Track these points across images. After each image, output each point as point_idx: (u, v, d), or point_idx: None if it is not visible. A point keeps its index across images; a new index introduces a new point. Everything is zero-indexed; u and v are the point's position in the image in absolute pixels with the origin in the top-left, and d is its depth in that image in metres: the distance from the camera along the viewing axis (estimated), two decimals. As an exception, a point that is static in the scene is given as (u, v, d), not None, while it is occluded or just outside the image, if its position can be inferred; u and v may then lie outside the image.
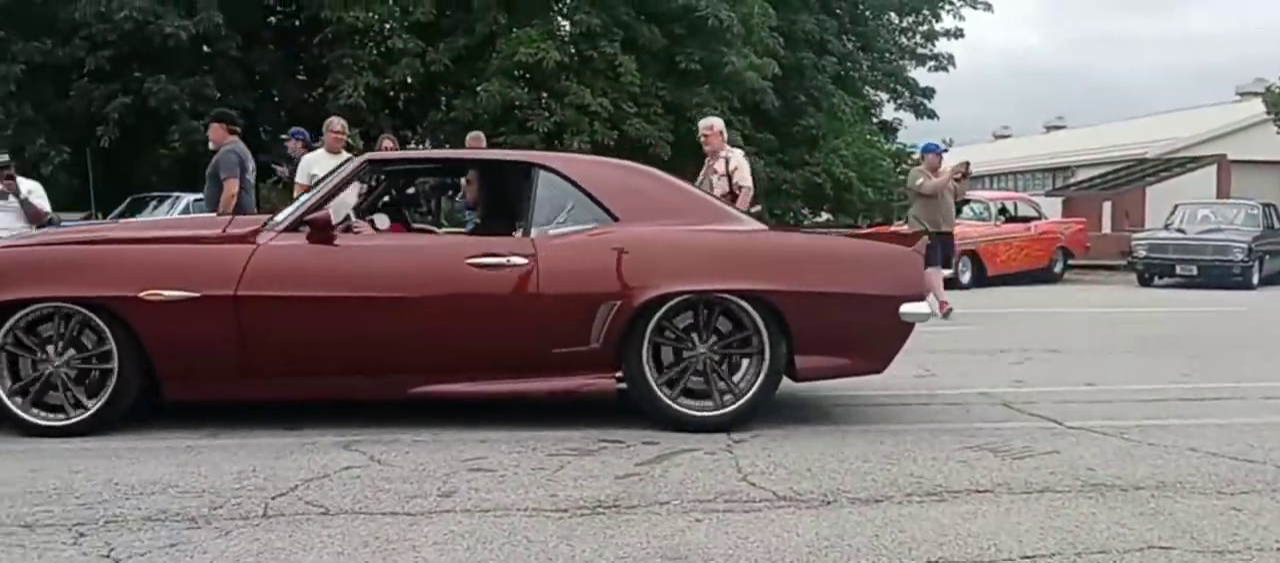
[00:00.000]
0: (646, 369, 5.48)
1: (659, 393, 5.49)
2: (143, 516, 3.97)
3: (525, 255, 5.47)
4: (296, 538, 3.73)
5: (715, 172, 9.41)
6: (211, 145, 9.31)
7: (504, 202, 6.93)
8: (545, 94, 21.12)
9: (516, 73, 20.49)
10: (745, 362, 5.59)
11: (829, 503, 4.22)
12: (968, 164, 12.65)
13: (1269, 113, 33.66)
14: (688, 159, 22.24)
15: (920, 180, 12.12)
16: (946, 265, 12.41)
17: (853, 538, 3.76)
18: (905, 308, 5.52)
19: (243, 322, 5.28)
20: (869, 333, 5.66)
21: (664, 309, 5.45)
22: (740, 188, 9.16)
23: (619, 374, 5.54)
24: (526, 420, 5.75)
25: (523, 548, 3.64)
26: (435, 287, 5.47)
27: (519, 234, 5.79)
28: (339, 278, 5.44)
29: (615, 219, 5.67)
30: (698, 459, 4.93)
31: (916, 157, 12.45)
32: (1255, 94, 37.45)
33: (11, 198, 8.49)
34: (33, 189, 8.71)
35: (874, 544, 3.69)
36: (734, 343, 5.55)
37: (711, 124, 9.78)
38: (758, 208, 9.19)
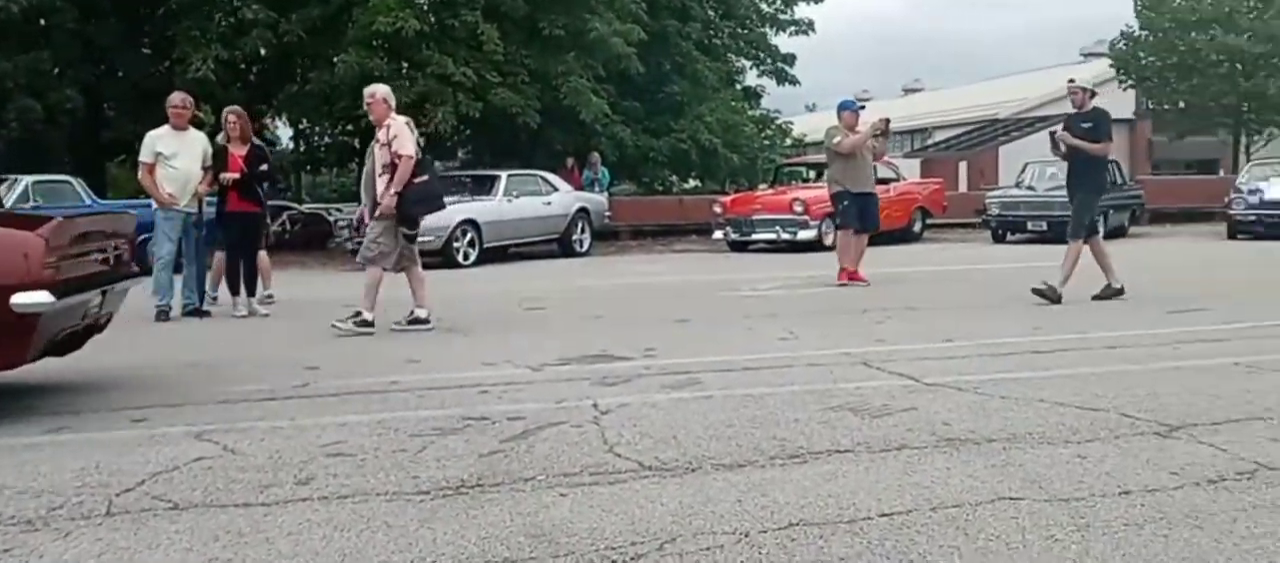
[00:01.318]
0: None
1: None
2: (-25, 520, 3.76)
3: None
4: (142, 536, 3.57)
5: (378, 141, 8.72)
6: None
7: None
8: (406, 64, 20.70)
9: (375, 43, 19.99)
10: None
11: (694, 470, 4.23)
12: (887, 121, 12.41)
13: (1114, 72, 35.09)
14: (558, 128, 22.23)
15: (837, 139, 11.82)
16: (870, 229, 12.16)
17: (716, 505, 3.78)
18: (17, 299, 5.04)
19: None
20: None
21: None
22: (399, 156, 8.46)
23: None
24: (389, 404, 5.65)
25: (381, 534, 3.56)
26: None
27: None
28: None
29: None
30: (564, 433, 4.89)
31: (831, 129, 11.95)
32: (1100, 54, 39.00)
33: None
34: None
35: (737, 510, 3.71)
36: None
37: (373, 92, 8.97)
38: (425, 177, 8.68)
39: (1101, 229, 19.12)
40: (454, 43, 20.13)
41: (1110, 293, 9.93)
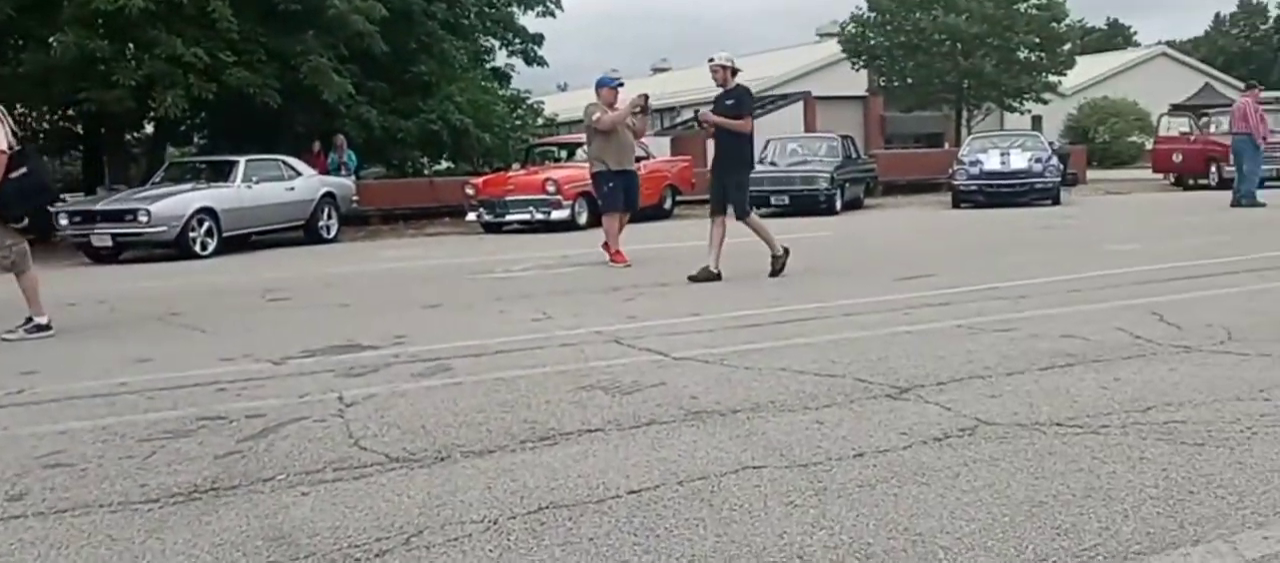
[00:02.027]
0: None
1: None
2: None
3: None
4: None
5: None
6: None
7: None
8: (131, 45, 19.45)
9: (96, 22, 18.67)
10: None
11: (443, 459, 4.15)
12: (646, 97, 12.05)
13: (844, 53, 36.91)
14: (301, 109, 21.39)
15: (597, 115, 11.67)
16: (630, 207, 12.08)
17: (465, 493, 3.71)
18: None
19: None
20: None
21: None
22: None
23: None
24: (116, 407, 5.29)
25: (104, 549, 3.31)
26: None
27: None
28: None
29: None
30: (307, 428, 4.71)
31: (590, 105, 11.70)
32: (832, 35, 40.91)
33: None
34: None
35: (486, 497, 3.66)
36: None
37: None
38: (24, 169, 7.99)
39: (839, 202, 20.28)
40: (183, 21, 19.06)
41: (707, 275, 9.74)
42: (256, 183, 16.97)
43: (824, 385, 5.17)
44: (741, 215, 10.12)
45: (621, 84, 12.31)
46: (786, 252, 10.10)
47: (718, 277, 9.70)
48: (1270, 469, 3.65)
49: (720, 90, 10.21)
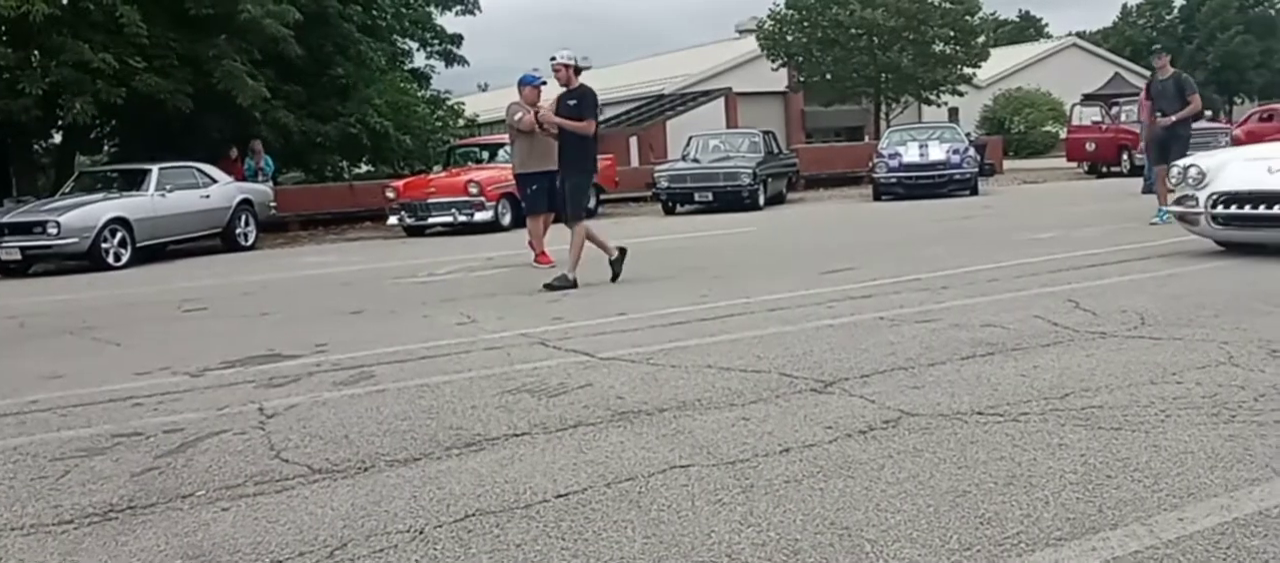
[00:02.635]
0: None
1: None
2: None
3: None
4: None
5: None
6: None
7: None
8: (37, 52, 18.92)
9: (-1, 30, 18.17)
10: None
11: (367, 469, 4.09)
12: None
13: (763, 51, 37.18)
14: (216, 115, 20.96)
15: (519, 115, 11.42)
16: (554, 208, 11.54)
17: (390, 503, 3.66)
18: None
19: None
20: None
21: None
22: None
23: None
24: (27, 426, 5.13)
25: (15, 575, 3.21)
26: None
27: None
28: None
29: None
30: (227, 442, 4.61)
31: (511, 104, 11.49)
32: (751, 31, 41.17)
33: None
34: None
35: (412, 506, 3.61)
36: None
37: None
38: None
39: (762, 197, 20.41)
40: (91, 27, 18.58)
41: (565, 283, 9.37)
42: (171, 191, 16.58)
43: (750, 382, 5.19)
44: (572, 219, 9.75)
45: (543, 82, 12.15)
46: (574, 284, 9.41)
47: (574, 284, 9.33)
48: (1183, 451, 3.74)
49: (563, 89, 9.84)
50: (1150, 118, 13.59)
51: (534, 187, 11.58)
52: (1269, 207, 8.60)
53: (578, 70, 9.82)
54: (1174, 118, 12.79)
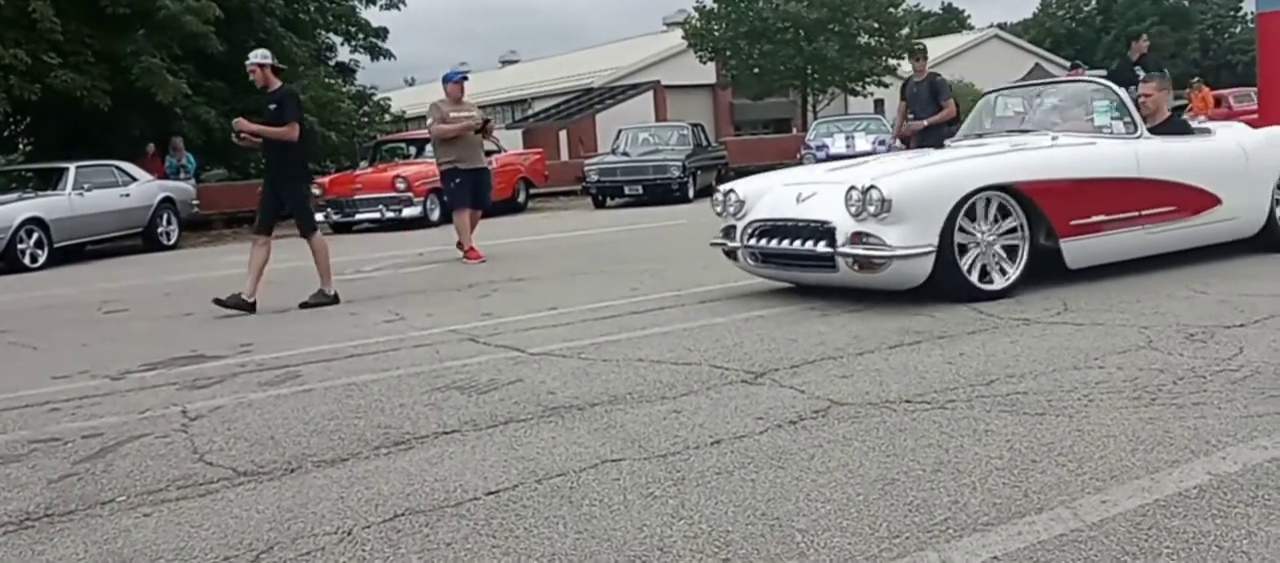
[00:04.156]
0: None
1: None
2: None
3: None
4: None
5: None
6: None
7: None
8: (-54, 49, 18.37)
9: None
10: None
11: (293, 471, 4.02)
12: (488, 122, 12.01)
13: (689, 46, 37.28)
14: (135, 112, 20.48)
15: (431, 121, 11.45)
16: (480, 204, 11.75)
17: (317, 504, 3.60)
18: None
19: None
20: None
21: None
22: None
23: None
24: (-65, 432, 4.97)
25: (-75, 588, 3.11)
26: None
27: None
28: None
29: None
30: (148, 446, 4.51)
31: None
32: (678, 25, 41.27)
33: None
34: None
35: (339, 508, 3.55)
36: None
37: None
38: None
39: (691, 190, 20.46)
40: (2, 23, 18.08)
41: (238, 303, 8.59)
42: (88, 190, 16.21)
43: (681, 374, 5.20)
44: (306, 233, 9.09)
45: (467, 77, 12.08)
46: (336, 298, 8.86)
47: (252, 307, 8.57)
48: (1106, 435, 3.80)
49: (263, 91, 9.00)
50: (902, 120, 12.99)
51: (457, 181, 11.56)
52: (790, 242, 7.12)
53: (276, 70, 8.96)
54: (925, 122, 12.31)
